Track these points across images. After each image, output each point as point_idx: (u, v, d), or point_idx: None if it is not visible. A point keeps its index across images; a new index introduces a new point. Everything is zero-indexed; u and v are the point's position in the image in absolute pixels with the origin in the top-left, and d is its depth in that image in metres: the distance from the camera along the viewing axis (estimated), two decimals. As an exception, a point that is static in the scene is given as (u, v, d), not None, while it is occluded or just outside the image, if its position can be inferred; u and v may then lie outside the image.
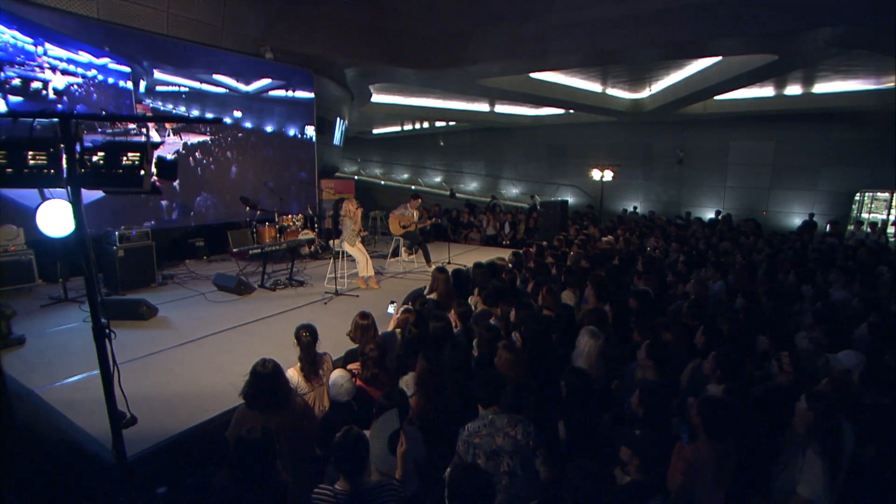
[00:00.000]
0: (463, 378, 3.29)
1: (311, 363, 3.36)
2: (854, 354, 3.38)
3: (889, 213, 14.57)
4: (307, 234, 8.35)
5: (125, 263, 6.20)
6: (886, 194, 15.09)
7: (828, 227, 13.28)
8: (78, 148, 1.88)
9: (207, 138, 8.69)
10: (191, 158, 8.37)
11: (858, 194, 14.97)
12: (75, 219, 2.04)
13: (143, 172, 1.90)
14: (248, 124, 9.39)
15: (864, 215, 14.72)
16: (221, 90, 8.89)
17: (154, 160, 1.97)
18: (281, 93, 9.95)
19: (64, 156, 1.90)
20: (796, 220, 14.79)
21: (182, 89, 8.28)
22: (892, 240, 12.69)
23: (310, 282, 7.11)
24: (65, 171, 1.91)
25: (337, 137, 14.20)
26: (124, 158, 1.90)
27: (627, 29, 9.19)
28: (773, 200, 15.46)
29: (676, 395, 3.11)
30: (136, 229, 6.47)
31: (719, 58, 10.91)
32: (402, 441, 2.38)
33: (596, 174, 14.59)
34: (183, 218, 8.36)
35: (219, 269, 7.14)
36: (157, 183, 1.99)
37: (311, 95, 10.46)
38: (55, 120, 1.89)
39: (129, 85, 7.56)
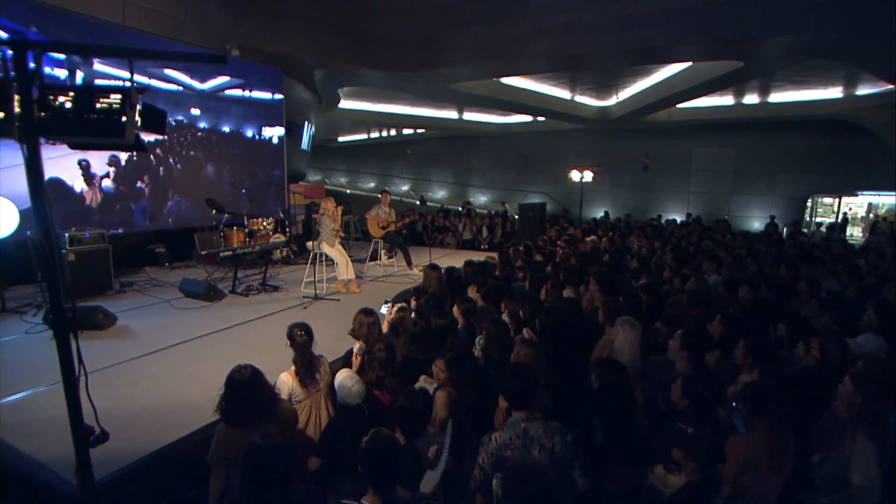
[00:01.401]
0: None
1: (308, 366, 2.97)
2: (874, 338, 3.33)
3: (837, 218, 15.44)
4: (279, 238, 7.84)
5: (76, 269, 5.53)
6: (830, 199, 16.07)
7: (784, 230, 13.85)
8: (37, 84, 1.48)
9: (164, 136, 7.96)
10: (151, 157, 7.71)
11: (810, 199, 15.82)
12: (31, 182, 1.62)
13: (125, 119, 1.52)
14: (204, 124, 8.65)
15: (818, 219, 15.55)
16: (174, 87, 8.18)
17: (139, 107, 1.59)
18: (246, 93, 9.37)
19: (17, 97, 1.49)
20: (756, 224, 15.40)
21: (126, 84, 7.48)
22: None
23: (285, 286, 6.62)
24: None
25: (305, 142, 13.69)
26: (100, 101, 1.51)
27: (600, 33, 9.30)
28: (735, 205, 16.07)
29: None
30: (89, 230, 5.81)
31: (685, 65, 11.26)
32: (433, 451, 2.06)
33: (575, 175, 14.69)
34: (145, 221, 7.66)
35: (183, 276, 6.53)
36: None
37: (269, 96, 9.84)
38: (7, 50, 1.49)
39: (63, 74, 6.61)
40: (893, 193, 14.50)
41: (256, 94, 9.62)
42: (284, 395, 2.86)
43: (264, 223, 7.78)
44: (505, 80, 13.00)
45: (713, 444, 2.08)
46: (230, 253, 6.18)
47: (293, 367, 2.96)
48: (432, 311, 3.74)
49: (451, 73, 11.37)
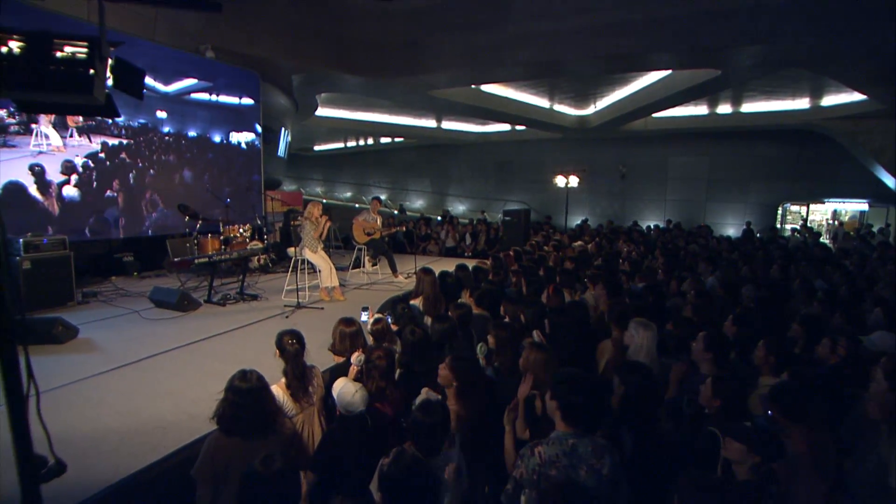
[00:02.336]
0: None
1: (300, 378, 2.67)
2: (888, 335, 3.25)
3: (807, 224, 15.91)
4: (256, 245, 7.44)
5: (32, 278, 5.03)
6: (797, 207, 16.59)
7: (759, 235, 14.15)
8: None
9: (125, 140, 7.35)
10: (116, 161, 7.21)
11: (780, 207, 16.28)
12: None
13: (92, 72, 1.23)
14: (169, 128, 8.07)
15: (788, 226, 15.99)
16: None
17: (111, 62, 1.31)
18: (213, 97, 8.88)
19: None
20: (731, 230, 15.72)
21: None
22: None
23: (264, 295, 6.23)
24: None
25: (281, 149, 13.31)
26: (61, 50, 1.23)
27: (582, 41, 9.34)
28: (710, 212, 16.40)
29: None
30: (46, 236, 5.32)
31: (662, 75, 11.44)
32: (450, 472, 1.81)
33: (560, 181, 14.71)
34: (120, 233, 7.17)
35: (154, 285, 6.06)
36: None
37: (237, 101, 9.39)
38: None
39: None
40: (857, 200, 15.09)
41: (224, 98, 9.14)
42: (274, 411, 2.55)
43: (241, 230, 7.38)
44: (484, 88, 12.99)
45: (774, 435, 1.89)
46: (206, 260, 5.77)
47: (283, 380, 2.66)
48: (414, 320, 3.49)
49: (430, 79, 11.26)
